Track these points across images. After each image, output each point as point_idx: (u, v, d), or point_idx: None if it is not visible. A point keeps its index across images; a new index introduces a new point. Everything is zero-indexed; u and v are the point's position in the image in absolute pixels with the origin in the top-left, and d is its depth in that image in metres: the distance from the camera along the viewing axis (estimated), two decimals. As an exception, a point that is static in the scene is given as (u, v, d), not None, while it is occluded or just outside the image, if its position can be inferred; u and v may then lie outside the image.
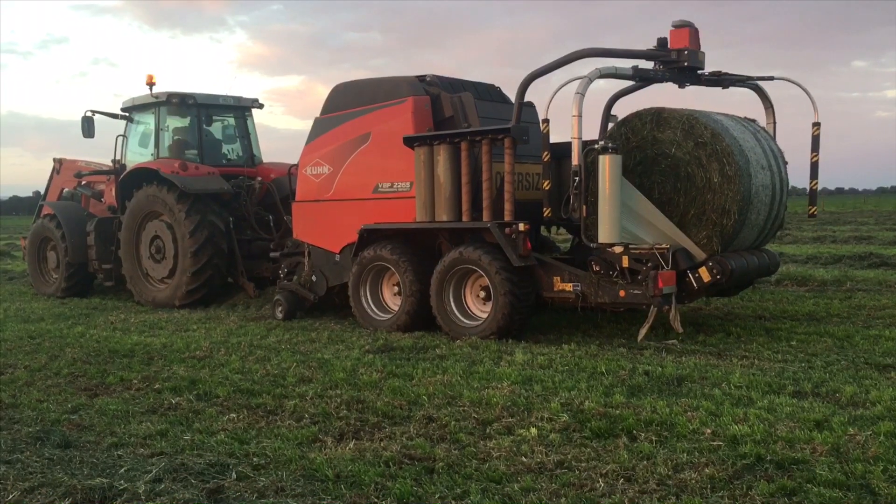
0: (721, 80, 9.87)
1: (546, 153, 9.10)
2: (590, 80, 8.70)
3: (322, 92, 11.84)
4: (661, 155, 8.93)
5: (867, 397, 6.23)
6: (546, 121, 9.04)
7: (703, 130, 8.72)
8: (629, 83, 10.44)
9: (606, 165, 8.44)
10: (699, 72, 9.57)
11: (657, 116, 9.03)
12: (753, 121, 9.96)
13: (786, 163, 9.63)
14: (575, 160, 8.68)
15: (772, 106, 10.30)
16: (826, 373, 7.20)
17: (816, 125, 9.97)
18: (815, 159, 10.08)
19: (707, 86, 9.84)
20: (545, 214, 9.27)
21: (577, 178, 8.69)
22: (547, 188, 9.15)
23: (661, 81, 9.62)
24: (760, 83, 10.25)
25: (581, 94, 8.56)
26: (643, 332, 8.69)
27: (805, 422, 5.60)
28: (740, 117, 9.81)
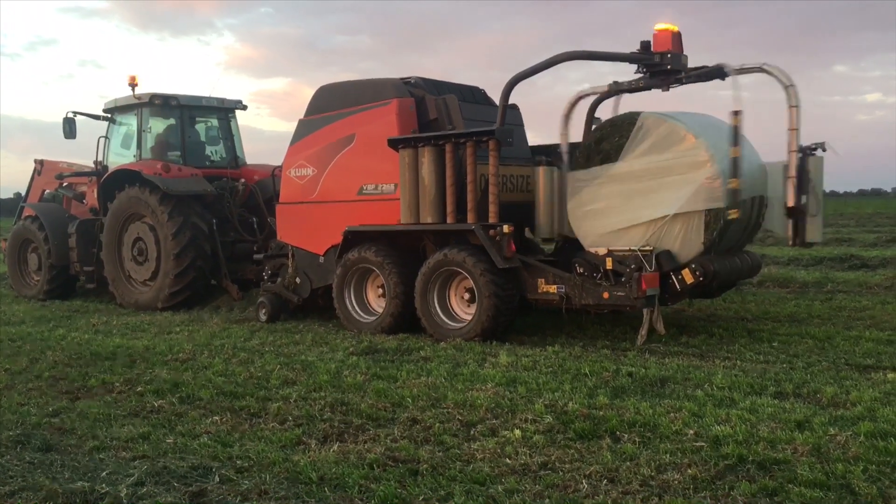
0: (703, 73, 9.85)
1: None
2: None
3: (308, 94, 11.84)
4: None
5: (848, 398, 6.30)
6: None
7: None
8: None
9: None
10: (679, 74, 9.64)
11: (611, 128, 9.27)
12: None
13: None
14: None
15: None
16: (807, 374, 7.27)
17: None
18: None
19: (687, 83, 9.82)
20: None
21: None
22: None
23: (648, 89, 9.72)
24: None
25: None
26: (642, 335, 8.68)
27: (786, 422, 5.65)
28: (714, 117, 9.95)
